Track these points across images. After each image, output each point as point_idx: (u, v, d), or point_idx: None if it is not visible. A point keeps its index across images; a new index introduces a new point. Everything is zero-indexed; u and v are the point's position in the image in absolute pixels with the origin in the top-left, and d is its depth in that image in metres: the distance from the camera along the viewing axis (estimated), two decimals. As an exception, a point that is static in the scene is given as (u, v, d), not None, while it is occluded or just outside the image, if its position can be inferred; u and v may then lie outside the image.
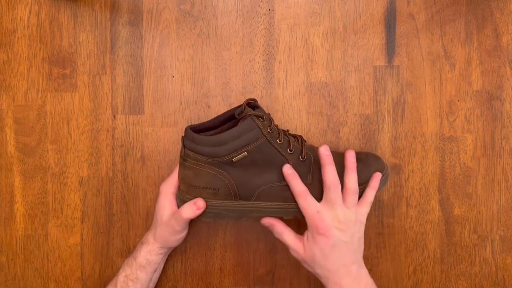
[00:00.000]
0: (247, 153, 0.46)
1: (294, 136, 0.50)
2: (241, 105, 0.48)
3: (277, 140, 0.47)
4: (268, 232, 0.56)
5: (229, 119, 0.50)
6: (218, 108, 0.55)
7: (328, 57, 0.55)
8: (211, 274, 0.57)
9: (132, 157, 0.56)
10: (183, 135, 0.48)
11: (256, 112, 0.46)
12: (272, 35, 0.55)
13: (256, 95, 0.55)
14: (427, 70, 0.55)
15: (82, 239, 0.56)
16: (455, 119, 0.55)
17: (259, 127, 0.46)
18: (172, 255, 0.56)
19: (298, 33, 0.55)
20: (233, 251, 0.56)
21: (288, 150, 0.47)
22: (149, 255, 0.51)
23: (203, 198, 0.48)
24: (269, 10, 0.55)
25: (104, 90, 0.56)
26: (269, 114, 0.49)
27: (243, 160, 0.46)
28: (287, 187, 0.47)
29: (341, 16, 0.55)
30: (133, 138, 0.56)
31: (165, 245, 0.51)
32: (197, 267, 0.56)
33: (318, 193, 0.47)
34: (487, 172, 0.56)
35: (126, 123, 0.56)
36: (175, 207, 0.50)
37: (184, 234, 0.52)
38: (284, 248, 0.56)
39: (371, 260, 0.56)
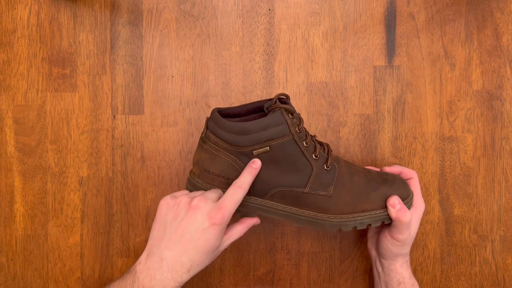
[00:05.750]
0: (269, 148, 0.43)
1: (321, 143, 0.48)
2: (271, 99, 0.46)
3: (304, 142, 0.44)
4: (268, 232, 0.56)
5: (256, 111, 0.47)
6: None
7: (328, 57, 0.55)
8: (211, 274, 0.56)
9: (132, 157, 0.56)
10: (208, 116, 0.46)
11: (287, 107, 0.44)
12: (272, 35, 0.55)
13: (256, 95, 0.55)
14: (427, 70, 0.55)
15: (82, 239, 0.56)
16: (455, 119, 0.55)
17: (288, 123, 0.43)
18: (172, 255, 0.56)
19: (298, 33, 0.55)
20: (233, 251, 0.56)
21: (313, 155, 0.45)
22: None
23: (214, 185, 0.46)
24: (269, 10, 0.55)
25: (104, 90, 0.56)
26: (300, 114, 0.46)
27: (264, 155, 0.44)
28: (306, 194, 0.45)
29: (341, 16, 0.55)
30: (133, 138, 0.56)
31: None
32: (197, 267, 0.56)
33: (337, 207, 0.45)
34: (487, 172, 0.56)
35: (126, 123, 0.56)
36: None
37: None
38: (284, 248, 0.56)
39: (371, 260, 0.56)
